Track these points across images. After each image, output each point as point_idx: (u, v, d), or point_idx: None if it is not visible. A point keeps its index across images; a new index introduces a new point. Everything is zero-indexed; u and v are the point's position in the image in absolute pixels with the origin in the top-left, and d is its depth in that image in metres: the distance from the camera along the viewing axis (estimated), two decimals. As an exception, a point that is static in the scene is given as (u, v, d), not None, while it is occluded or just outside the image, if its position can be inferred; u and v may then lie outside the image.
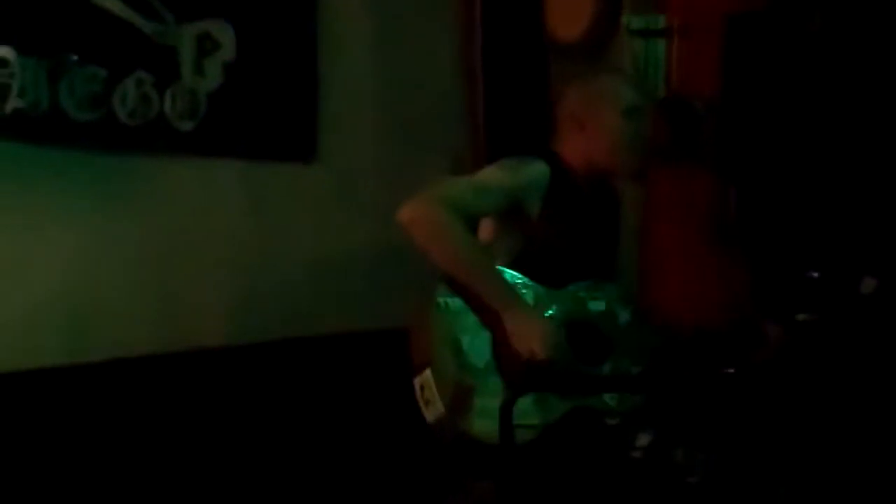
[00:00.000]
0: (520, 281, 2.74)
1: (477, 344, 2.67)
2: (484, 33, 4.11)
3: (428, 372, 2.65)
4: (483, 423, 2.57)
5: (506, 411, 2.31)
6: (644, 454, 2.64)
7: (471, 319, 2.68)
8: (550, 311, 2.73)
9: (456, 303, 2.69)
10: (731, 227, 2.86)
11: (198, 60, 3.45)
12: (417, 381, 2.68)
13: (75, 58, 3.18)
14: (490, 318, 2.67)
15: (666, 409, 2.72)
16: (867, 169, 3.08)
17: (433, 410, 2.64)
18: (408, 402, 2.75)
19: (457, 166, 3.99)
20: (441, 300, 2.70)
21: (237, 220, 3.59)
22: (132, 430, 3.25)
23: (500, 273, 2.71)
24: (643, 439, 2.65)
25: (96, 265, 3.30)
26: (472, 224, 2.75)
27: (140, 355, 3.34)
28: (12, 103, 3.07)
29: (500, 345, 2.65)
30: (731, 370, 2.54)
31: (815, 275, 2.42)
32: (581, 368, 2.71)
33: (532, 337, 2.63)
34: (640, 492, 2.60)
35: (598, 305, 2.81)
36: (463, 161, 4.04)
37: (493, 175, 2.79)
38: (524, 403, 2.54)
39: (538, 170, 2.82)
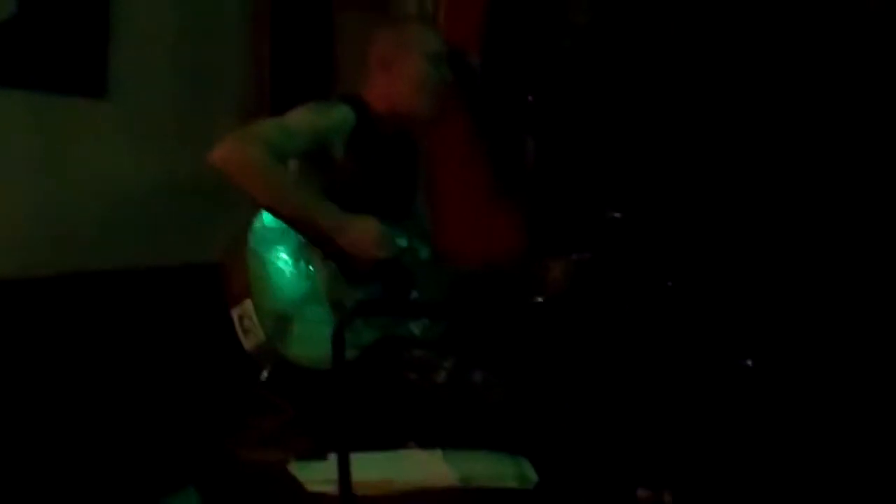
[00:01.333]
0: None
1: (294, 274, 2.81)
2: (271, -20, 4.22)
3: (248, 302, 2.76)
4: (301, 349, 2.73)
5: (338, 334, 2.46)
6: (446, 378, 2.87)
7: (286, 251, 2.82)
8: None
9: (272, 235, 2.82)
10: (523, 173, 3.12)
11: (-9, -11, 3.41)
12: (236, 312, 2.77)
13: None
14: (319, 238, 2.82)
15: (466, 336, 2.97)
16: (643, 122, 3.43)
17: (253, 338, 2.75)
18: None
19: (242, 103, 4.10)
20: (256, 233, 2.81)
21: (27, 151, 3.55)
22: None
23: (320, 197, 2.85)
24: (446, 364, 2.88)
25: None
26: (281, 164, 2.88)
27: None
28: None
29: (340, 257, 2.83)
30: (539, 300, 2.81)
31: (616, 214, 2.71)
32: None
33: (368, 243, 2.82)
34: (442, 412, 2.82)
35: (400, 241, 3.00)
36: (248, 99, 4.15)
37: (300, 117, 2.91)
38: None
39: (343, 113, 2.96)
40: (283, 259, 2.82)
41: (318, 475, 2.53)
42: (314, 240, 2.82)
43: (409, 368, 2.87)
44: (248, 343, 2.77)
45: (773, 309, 3.12)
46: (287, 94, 4.07)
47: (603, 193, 3.32)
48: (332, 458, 2.40)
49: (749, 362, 2.91)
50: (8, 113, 3.51)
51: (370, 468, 2.50)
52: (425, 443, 2.69)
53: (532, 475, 2.62)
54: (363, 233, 2.82)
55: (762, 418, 2.88)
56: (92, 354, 3.60)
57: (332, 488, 2.38)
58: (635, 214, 2.79)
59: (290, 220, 2.81)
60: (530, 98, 3.37)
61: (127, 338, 3.70)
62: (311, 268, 2.84)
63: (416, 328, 2.94)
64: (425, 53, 3.05)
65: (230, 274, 2.82)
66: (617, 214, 2.73)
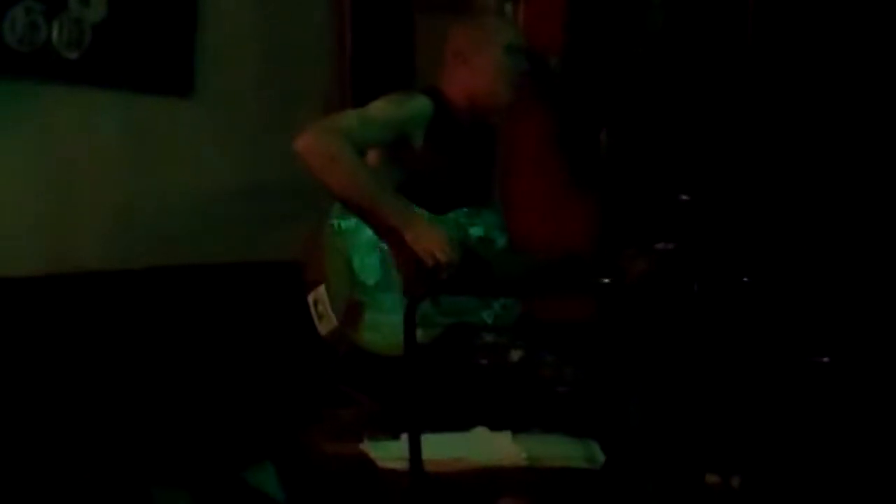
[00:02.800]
0: (405, 206, 2.96)
1: (368, 263, 2.87)
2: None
3: (322, 288, 2.84)
4: (373, 336, 2.80)
5: (410, 314, 2.51)
6: (517, 362, 2.90)
7: (362, 240, 2.88)
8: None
9: (349, 224, 2.89)
10: (599, 164, 3.14)
11: (84, -8, 3.55)
12: (311, 297, 2.85)
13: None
14: (388, 234, 2.86)
15: (538, 324, 3.00)
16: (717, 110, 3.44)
17: (326, 324, 2.83)
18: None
19: (325, 104, 4.19)
20: (334, 222, 2.88)
21: (118, 148, 3.70)
22: (10, 350, 3.35)
23: (393, 191, 2.89)
24: (516, 352, 2.91)
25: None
26: (360, 154, 2.95)
27: (20, 276, 3.44)
28: None
29: (401, 256, 2.86)
30: (608, 280, 2.82)
31: (685, 197, 2.72)
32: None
33: (432, 243, 2.84)
34: (512, 395, 2.86)
35: (476, 231, 3.05)
36: (331, 99, 4.24)
37: (380, 108, 2.96)
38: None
39: (422, 104, 3.02)
40: (358, 247, 2.88)
41: (390, 453, 2.58)
42: (382, 233, 2.88)
43: (480, 353, 2.91)
44: (322, 328, 2.84)
45: (850, 306, 3.09)
46: (368, 90, 4.14)
47: (674, 179, 3.33)
48: (404, 437, 2.47)
49: (825, 359, 2.89)
50: (99, 112, 3.67)
51: (440, 448, 2.54)
52: (495, 425, 2.72)
53: (600, 457, 2.64)
54: (429, 231, 2.86)
55: (835, 412, 2.86)
56: (181, 342, 3.75)
57: (403, 465, 2.45)
58: (705, 197, 2.80)
59: (361, 211, 2.87)
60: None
61: (214, 328, 3.84)
62: (385, 257, 2.90)
63: (487, 316, 2.98)
64: (501, 45, 3.09)
65: (308, 261, 2.90)
66: (685, 197, 2.74)
